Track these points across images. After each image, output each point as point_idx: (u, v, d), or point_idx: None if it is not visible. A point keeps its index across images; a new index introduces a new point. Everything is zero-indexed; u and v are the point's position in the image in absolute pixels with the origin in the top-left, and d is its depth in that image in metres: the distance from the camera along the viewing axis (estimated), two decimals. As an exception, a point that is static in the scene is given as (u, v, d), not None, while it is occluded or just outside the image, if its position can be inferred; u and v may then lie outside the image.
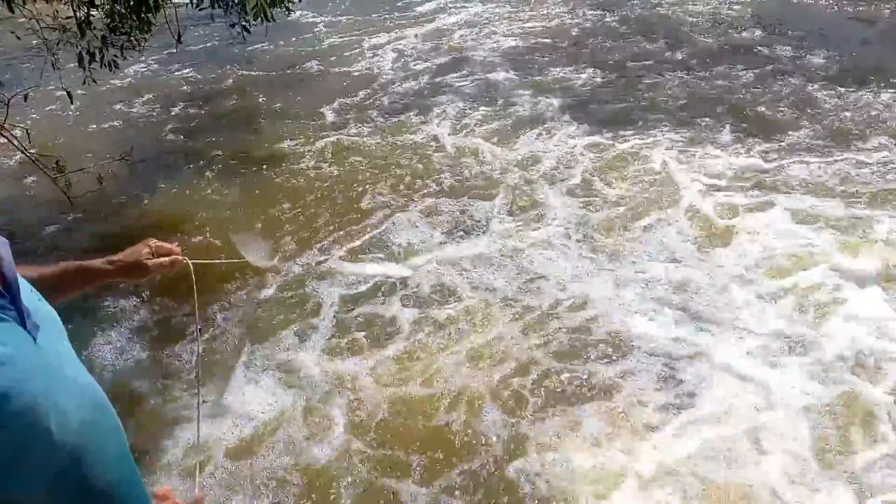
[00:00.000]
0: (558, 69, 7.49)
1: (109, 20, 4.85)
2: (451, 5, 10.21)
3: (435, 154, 5.80)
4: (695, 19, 8.75)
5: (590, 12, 9.38)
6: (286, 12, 4.82)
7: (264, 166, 5.76)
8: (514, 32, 8.85)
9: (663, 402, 3.26)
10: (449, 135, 6.14)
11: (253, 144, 6.24)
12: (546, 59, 7.86)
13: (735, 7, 9.02)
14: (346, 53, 8.47)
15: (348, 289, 4.23)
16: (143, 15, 4.61)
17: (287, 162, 5.84)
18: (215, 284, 4.25)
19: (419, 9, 10.23)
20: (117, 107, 7.22)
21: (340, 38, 9.16)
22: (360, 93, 7.24)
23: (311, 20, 9.92)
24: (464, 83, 7.33)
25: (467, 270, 4.31)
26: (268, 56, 8.52)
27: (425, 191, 5.23)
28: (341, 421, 3.30)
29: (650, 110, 6.33)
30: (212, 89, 7.60)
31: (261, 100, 7.23)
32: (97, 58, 4.94)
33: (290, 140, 6.24)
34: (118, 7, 4.69)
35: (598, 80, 7.16)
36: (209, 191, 5.42)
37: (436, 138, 6.09)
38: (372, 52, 8.47)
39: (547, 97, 6.82)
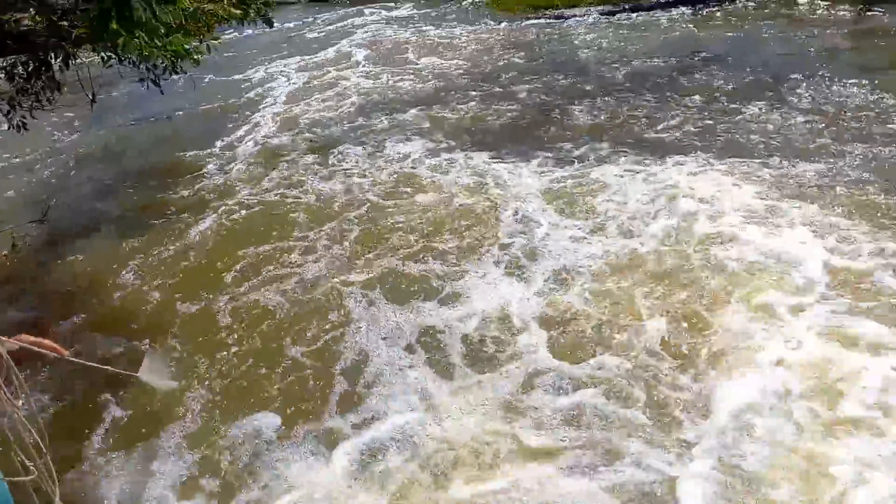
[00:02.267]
0: (472, 104, 7.75)
1: (13, 82, 4.82)
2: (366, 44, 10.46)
3: (356, 183, 5.88)
4: (603, 54, 9.12)
5: (502, 51, 9.73)
6: (194, 63, 4.86)
7: (182, 219, 5.72)
8: (432, 71, 9.13)
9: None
10: (371, 170, 6.23)
11: (168, 199, 6.20)
12: (460, 95, 8.12)
13: (641, 40, 9.46)
14: (262, 97, 8.59)
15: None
16: (42, 77, 4.59)
17: (201, 215, 5.80)
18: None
19: (327, 52, 10.46)
20: (32, 167, 7.13)
21: (258, 83, 9.30)
22: (275, 139, 7.35)
23: (231, 69, 10.04)
24: (378, 122, 7.55)
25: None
26: (183, 107, 8.57)
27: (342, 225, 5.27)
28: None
29: (559, 139, 6.56)
30: (127, 145, 7.57)
31: (176, 154, 7.23)
32: (5, 120, 4.89)
33: (206, 193, 6.24)
34: (18, 70, 4.66)
35: (511, 113, 7.44)
36: (127, 249, 5.27)
37: (361, 173, 6.20)
38: (286, 99, 8.61)
39: (454, 133, 7.05)
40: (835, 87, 6.91)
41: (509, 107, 7.66)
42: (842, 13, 9.29)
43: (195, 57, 4.70)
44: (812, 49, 8.13)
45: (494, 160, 6.27)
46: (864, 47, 8.12)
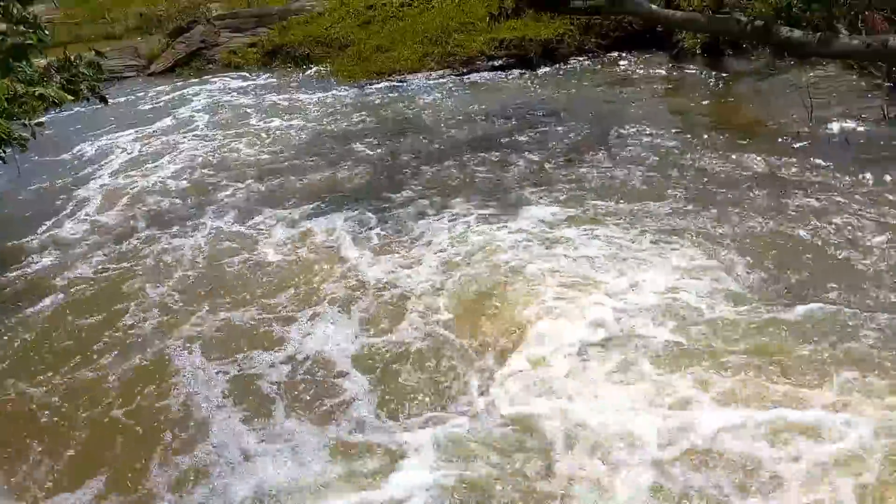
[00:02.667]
0: (318, 173, 7.80)
1: None
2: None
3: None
4: (447, 115, 9.44)
5: (348, 115, 9.86)
6: (22, 149, 4.61)
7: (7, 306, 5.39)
8: (276, 136, 9.12)
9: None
10: (208, 237, 6.14)
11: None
12: (307, 162, 8.16)
13: (481, 101, 9.86)
14: (94, 172, 8.25)
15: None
16: None
17: (30, 297, 5.53)
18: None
19: (164, 121, 10.22)
20: None
21: (89, 159, 8.94)
22: (105, 214, 7.12)
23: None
24: (219, 187, 7.46)
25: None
26: (7, 190, 8.08)
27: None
28: None
29: (413, 198, 6.74)
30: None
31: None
32: None
33: (32, 275, 5.92)
34: None
35: (358, 174, 7.57)
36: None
37: (198, 244, 6.07)
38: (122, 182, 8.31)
39: (301, 196, 7.15)
40: (656, 137, 7.51)
41: (356, 168, 7.82)
42: (657, 72, 10.10)
43: (20, 143, 4.46)
44: (635, 105, 8.78)
45: (344, 220, 6.47)
46: (676, 100, 8.92)
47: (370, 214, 6.54)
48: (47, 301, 5.54)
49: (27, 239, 6.77)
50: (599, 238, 5.52)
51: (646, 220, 5.75)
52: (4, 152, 4.50)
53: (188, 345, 4.80)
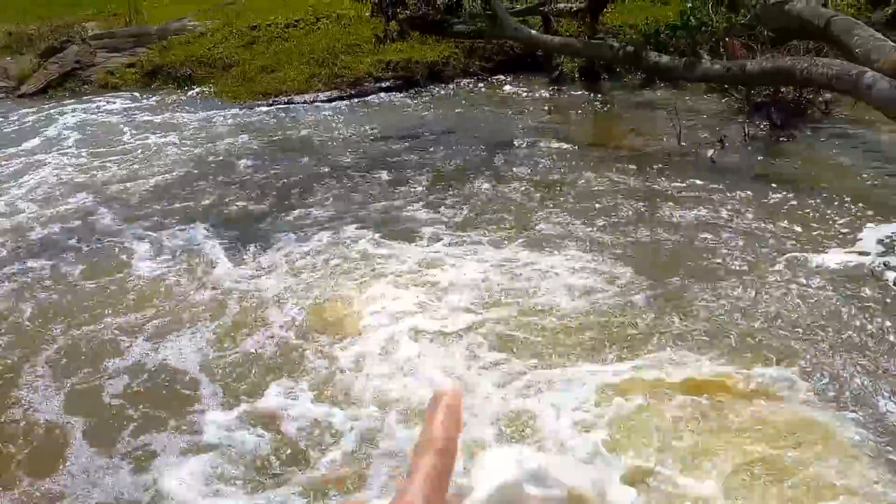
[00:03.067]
0: (197, 194, 7.66)
1: None
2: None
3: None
4: (335, 137, 9.43)
5: (233, 137, 9.69)
6: None
7: None
8: (157, 159, 8.83)
9: None
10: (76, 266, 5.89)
11: None
12: (185, 183, 7.98)
13: (368, 123, 9.91)
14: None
15: None
16: None
17: None
18: None
19: (32, 141, 9.76)
20: None
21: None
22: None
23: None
24: (92, 212, 7.16)
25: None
26: None
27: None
28: None
29: (301, 222, 6.68)
30: None
31: None
32: None
33: None
34: None
35: (246, 201, 7.42)
36: None
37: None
38: None
39: (181, 219, 6.98)
40: (537, 155, 7.77)
41: (237, 189, 7.71)
42: (539, 93, 10.46)
43: None
44: (519, 125, 9.05)
45: (218, 239, 6.39)
46: (556, 120, 9.25)
47: (247, 234, 6.48)
48: None
49: None
50: (477, 251, 5.66)
51: (521, 232, 5.94)
52: None
53: (35, 361, 4.70)
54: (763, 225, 5.73)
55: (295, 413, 4.02)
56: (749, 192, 6.33)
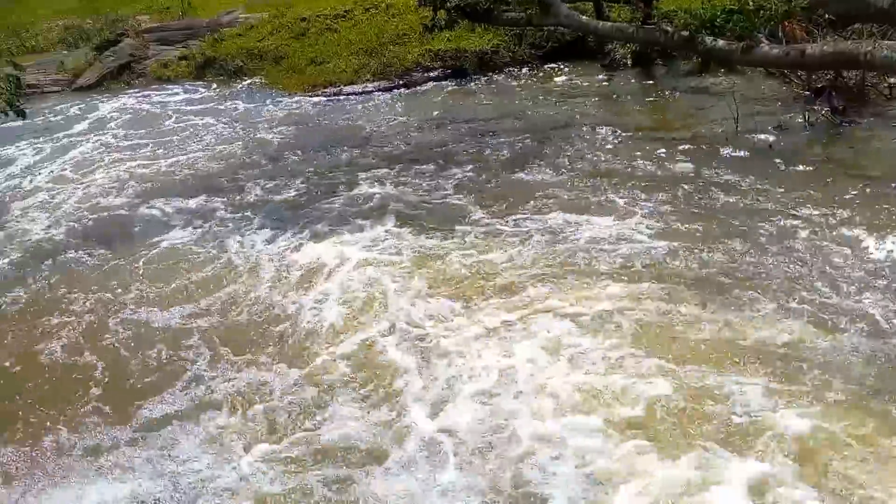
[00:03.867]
0: (258, 184, 7.73)
1: None
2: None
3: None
4: (383, 127, 9.44)
5: (284, 128, 9.78)
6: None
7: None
8: (212, 152, 8.98)
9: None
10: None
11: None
12: (237, 174, 8.12)
13: (417, 112, 9.89)
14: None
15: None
16: None
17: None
18: None
19: (90, 137, 9.98)
20: None
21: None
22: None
23: None
24: (151, 206, 7.38)
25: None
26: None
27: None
28: None
29: (349, 211, 6.72)
30: None
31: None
32: None
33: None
34: None
35: (294, 190, 7.48)
36: None
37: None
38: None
39: (234, 210, 7.16)
40: (589, 144, 7.65)
41: (288, 180, 7.80)
42: (590, 81, 10.29)
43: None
44: (570, 113, 8.92)
45: (270, 230, 6.57)
46: (608, 108, 9.09)
47: (292, 219, 6.67)
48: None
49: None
50: (531, 238, 5.61)
51: (568, 222, 5.88)
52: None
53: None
54: (824, 211, 5.55)
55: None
56: (808, 179, 6.14)
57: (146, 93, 12.99)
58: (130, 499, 3.66)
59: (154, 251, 6.51)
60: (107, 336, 5.18)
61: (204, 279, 5.82)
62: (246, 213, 7.05)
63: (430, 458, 3.62)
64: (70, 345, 5.12)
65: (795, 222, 5.45)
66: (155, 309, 5.43)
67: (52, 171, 9.05)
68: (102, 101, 12.68)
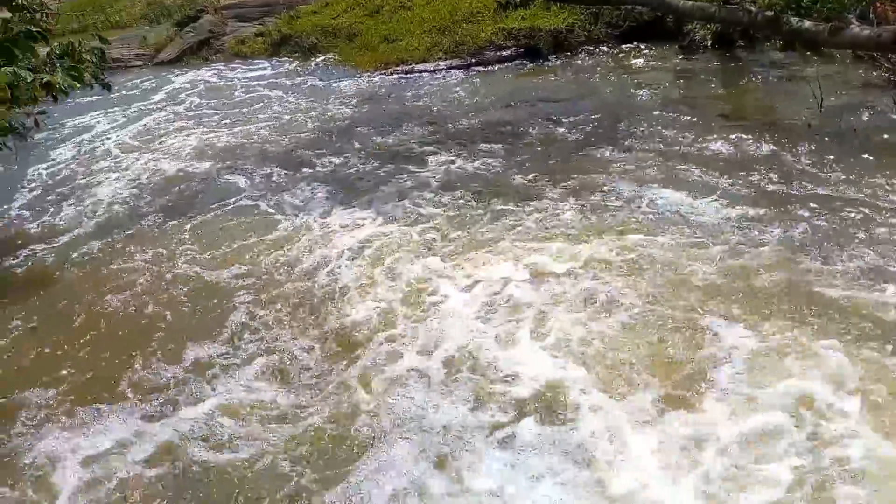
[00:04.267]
0: (322, 160, 7.87)
1: None
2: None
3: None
4: (454, 105, 9.41)
5: (357, 105, 9.85)
6: (22, 139, 4.63)
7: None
8: (285, 129, 9.12)
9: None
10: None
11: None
12: (311, 149, 8.20)
13: (488, 91, 9.83)
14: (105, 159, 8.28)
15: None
16: None
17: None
18: None
19: (176, 108, 10.23)
20: None
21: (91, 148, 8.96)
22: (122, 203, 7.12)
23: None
24: (236, 176, 7.57)
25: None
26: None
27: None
28: None
29: (417, 189, 6.73)
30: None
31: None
32: None
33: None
34: None
35: (362, 164, 7.56)
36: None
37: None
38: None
39: (317, 185, 7.18)
40: (665, 127, 7.45)
41: (359, 156, 7.86)
42: (668, 62, 10.02)
43: (21, 132, 4.46)
44: (646, 95, 8.71)
45: (341, 206, 6.60)
46: (686, 90, 8.82)
47: (360, 199, 6.70)
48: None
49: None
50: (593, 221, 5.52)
51: (644, 208, 5.75)
52: (5, 142, 4.49)
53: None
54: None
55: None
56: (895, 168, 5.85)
57: (223, 68, 13.27)
58: (171, 428, 3.99)
59: (215, 214, 6.80)
60: (164, 288, 5.49)
61: (259, 243, 6.05)
62: (310, 184, 7.19)
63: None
64: (130, 294, 5.48)
65: (877, 212, 5.20)
66: (207, 269, 5.71)
67: (126, 138, 9.38)
68: (181, 75, 13.02)
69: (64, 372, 4.60)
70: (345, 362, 4.38)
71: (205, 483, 3.62)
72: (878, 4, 7.87)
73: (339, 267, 5.46)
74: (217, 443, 3.86)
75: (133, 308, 5.31)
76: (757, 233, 5.17)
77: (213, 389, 4.30)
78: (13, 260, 6.26)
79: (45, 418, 4.20)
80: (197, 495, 3.55)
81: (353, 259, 5.56)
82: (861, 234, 4.97)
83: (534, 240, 5.49)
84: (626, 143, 7.20)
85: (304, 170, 7.63)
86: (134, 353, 4.72)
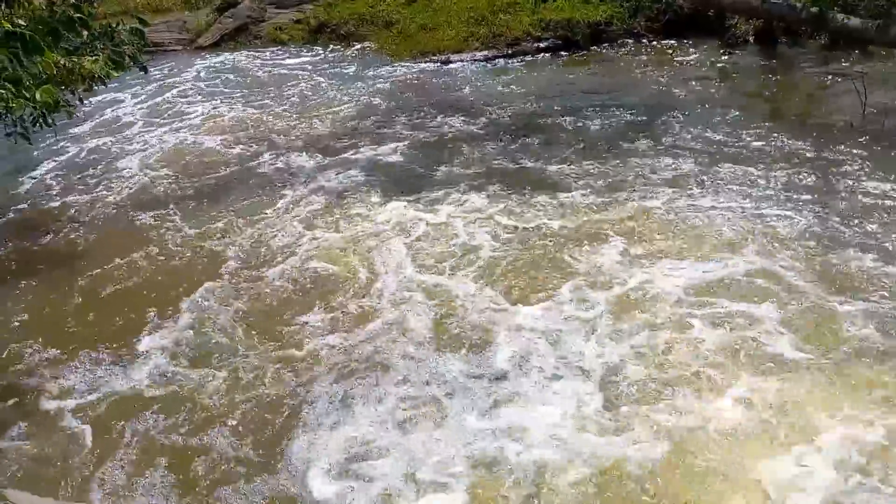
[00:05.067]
0: (359, 144, 7.92)
1: None
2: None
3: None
4: (489, 97, 9.36)
5: (394, 95, 9.84)
6: (68, 115, 4.70)
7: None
8: (321, 116, 9.15)
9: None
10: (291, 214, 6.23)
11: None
12: (350, 136, 8.26)
13: (523, 82, 9.76)
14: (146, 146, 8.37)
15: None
16: None
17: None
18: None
19: (207, 92, 10.31)
20: None
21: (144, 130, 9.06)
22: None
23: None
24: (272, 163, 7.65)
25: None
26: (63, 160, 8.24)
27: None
28: None
29: (454, 179, 6.74)
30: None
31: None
32: None
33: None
34: None
35: (396, 153, 7.59)
36: None
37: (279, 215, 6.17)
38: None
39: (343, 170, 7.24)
40: (704, 124, 7.37)
41: (396, 144, 7.88)
42: (710, 58, 9.88)
43: (68, 109, 4.53)
44: (684, 91, 8.60)
45: (379, 192, 6.66)
46: (726, 87, 8.70)
47: (395, 187, 6.72)
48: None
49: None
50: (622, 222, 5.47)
51: (685, 206, 5.67)
52: (52, 119, 4.57)
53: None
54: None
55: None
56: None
57: (261, 54, 13.33)
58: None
59: (242, 195, 6.87)
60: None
61: (275, 223, 6.18)
62: (342, 170, 7.20)
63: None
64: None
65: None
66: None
67: (155, 118, 9.48)
68: (219, 60, 13.10)
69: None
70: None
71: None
72: (929, 2, 7.68)
73: (370, 257, 5.49)
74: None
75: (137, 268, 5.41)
76: (786, 232, 5.10)
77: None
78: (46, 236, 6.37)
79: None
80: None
81: (382, 250, 5.58)
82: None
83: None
84: (664, 139, 7.12)
85: (337, 156, 7.62)
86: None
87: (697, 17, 10.66)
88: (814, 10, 7.36)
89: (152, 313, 4.97)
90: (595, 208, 5.82)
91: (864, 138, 6.52)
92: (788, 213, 5.39)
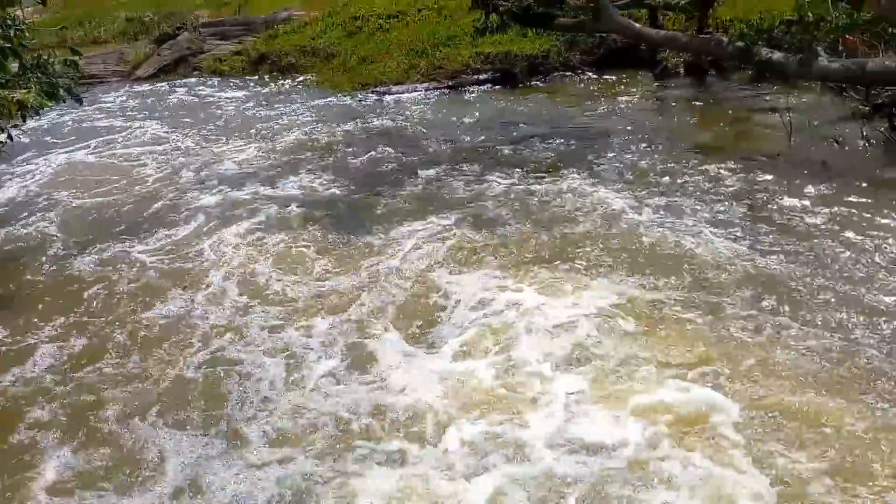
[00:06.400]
0: (295, 178, 7.87)
1: None
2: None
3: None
4: (429, 128, 9.40)
5: (333, 126, 9.81)
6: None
7: None
8: (271, 148, 9.06)
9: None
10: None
11: None
12: (285, 169, 8.20)
13: (463, 114, 9.84)
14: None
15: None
16: None
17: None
18: None
19: (139, 125, 10.15)
20: None
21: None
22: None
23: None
24: (203, 196, 7.50)
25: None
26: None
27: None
28: None
29: (390, 212, 6.71)
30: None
31: None
32: None
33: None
34: None
35: (335, 185, 7.55)
36: None
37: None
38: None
39: (289, 206, 7.08)
40: (635, 154, 7.53)
41: (334, 175, 7.84)
42: (640, 89, 10.12)
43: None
44: (618, 122, 8.77)
45: (312, 224, 6.56)
46: (657, 117, 8.94)
47: (338, 221, 6.63)
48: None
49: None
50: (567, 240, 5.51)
51: (612, 241, 5.72)
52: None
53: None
54: (878, 234, 5.33)
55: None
56: (864, 199, 5.90)
57: (199, 85, 13.22)
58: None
59: (167, 233, 6.70)
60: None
61: (206, 260, 6.00)
62: (286, 205, 7.09)
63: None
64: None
65: (841, 245, 5.23)
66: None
67: (96, 154, 9.28)
68: (156, 92, 12.94)
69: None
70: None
71: None
72: (847, 37, 7.99)
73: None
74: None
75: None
76: (712, 259, 5.20)
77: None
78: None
79: None
80: None
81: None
82: (818, 271, 4.98)
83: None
84: (596, 169, 7.22)
85: (273, 189, 7.53)
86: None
87: (630, 51, 10.93)
88: (740, 44, 7.58)
89: None
90: (523, 239, 5.84)
91: (791, 168, 6.71)
92: (712, 238, 5.49)
